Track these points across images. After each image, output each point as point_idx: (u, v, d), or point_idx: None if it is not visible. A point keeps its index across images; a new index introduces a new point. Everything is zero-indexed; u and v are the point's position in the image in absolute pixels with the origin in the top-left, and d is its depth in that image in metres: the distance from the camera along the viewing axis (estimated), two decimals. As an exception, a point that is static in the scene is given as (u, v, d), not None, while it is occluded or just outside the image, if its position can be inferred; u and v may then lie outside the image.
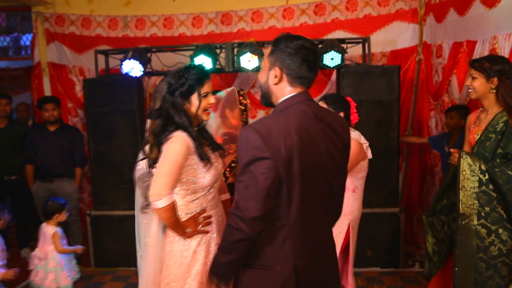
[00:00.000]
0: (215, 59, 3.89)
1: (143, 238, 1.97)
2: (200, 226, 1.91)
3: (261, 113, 4.88)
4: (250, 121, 2.58)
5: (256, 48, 3.76)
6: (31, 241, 4.44)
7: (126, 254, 4.04)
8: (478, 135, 2.45)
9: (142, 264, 1.98)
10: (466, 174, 2.33)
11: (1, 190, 4.36)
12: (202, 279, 1.86)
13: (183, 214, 1.90)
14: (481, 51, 3.40)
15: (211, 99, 1.95)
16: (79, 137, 4.41)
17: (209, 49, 3.88)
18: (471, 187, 2.32)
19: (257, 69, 3.71)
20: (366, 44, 4.05)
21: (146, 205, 1.91)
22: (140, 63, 3.91)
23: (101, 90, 4.11)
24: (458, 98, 3.94)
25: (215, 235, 1.95)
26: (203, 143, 1.94)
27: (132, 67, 3.92)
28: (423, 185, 4.64)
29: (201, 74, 1.91)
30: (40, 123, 4.58)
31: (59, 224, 3.37)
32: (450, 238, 2.53)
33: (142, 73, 3.97)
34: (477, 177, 2.31)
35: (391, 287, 3.68)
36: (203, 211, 1.93)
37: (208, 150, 1.95)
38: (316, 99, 4.94)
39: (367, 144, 2.78)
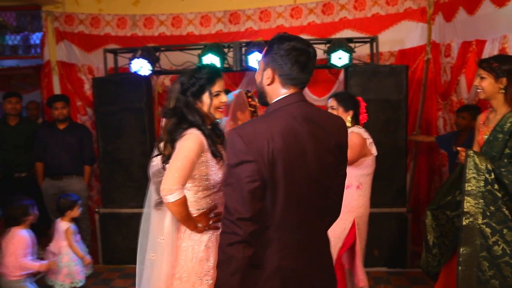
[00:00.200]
0: (223, 58, 3.91)
1: (155, 236, 1.98)
2: (211, 222, 1.94)
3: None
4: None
5: (264, 47, 3.76)
6: (41, 237, 4.48)
7: (134, 252, 3.98)
8: (487, 135, 2.43)
9: (154, 261, 1.98)
10: (472, 172, 2.32)
11: (11, 187, 4.40)
12: (215, 274, 1.87)
13: (194, 210, 1.93)
14: (490, 50, 3.38)
15: (223, 97, 1.98)
16: (88, 135, 4.44)
17: (217, 48, 3.90)
18: (476, 186, 2.31)
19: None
20: (374, 44, 4.05)
21: (160, 202, 1.93)
22: (148, 62, 3.94)
23: (110, 88, 4.15)
24: (467, 98, 3.91)
25: None
26: (216, 141, 1.97)
27: (141, 66, 3.95)
28: (431, 185, 4.62)
29: (212, 74, 1.94)
30: (50, 121, 4.62)
31: (73, 220, 3.41)
32: (454, 233, 2.52)
33: (150, 72, 3.99)
34: (483, 176, 2.30)
35: (398, 287, 3.68)
36: (215, 207, 1.97)
37: (220, 148, 1.97)
38: (324, 97, 4.93)
39: (371, 140, 2.78)
